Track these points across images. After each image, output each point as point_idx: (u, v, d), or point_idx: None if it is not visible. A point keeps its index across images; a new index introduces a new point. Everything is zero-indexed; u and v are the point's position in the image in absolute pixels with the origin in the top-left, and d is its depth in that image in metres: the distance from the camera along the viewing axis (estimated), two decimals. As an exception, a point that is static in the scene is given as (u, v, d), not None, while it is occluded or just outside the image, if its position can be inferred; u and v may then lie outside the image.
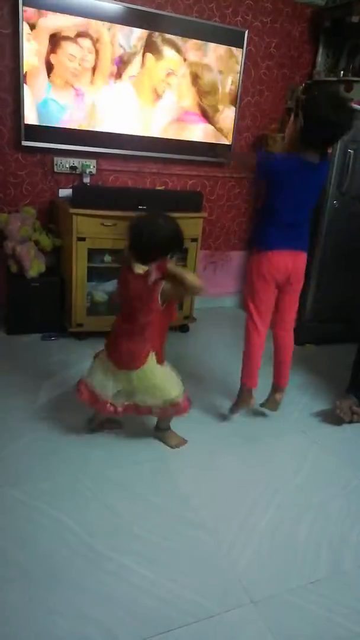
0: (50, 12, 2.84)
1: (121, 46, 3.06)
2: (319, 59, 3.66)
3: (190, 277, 1.82)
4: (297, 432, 2.46)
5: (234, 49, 3.36)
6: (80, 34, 2.94)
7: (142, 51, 3.13)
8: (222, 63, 3.36)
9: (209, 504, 1.93)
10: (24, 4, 2.77)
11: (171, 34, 3.15)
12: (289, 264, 2.20)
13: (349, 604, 1.58)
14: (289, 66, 3.66)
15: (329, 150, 2.13)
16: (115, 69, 3.10)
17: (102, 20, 2.96)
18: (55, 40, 2.90)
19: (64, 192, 3.24)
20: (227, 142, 3.56)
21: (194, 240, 3.24)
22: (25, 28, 2.82)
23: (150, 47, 3.14)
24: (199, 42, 3.24)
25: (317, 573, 1.67)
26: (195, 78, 3.33)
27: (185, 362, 2.90)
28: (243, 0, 3.38)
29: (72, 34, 2.92)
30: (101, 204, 2.93)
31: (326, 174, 2.21)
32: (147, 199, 3.00)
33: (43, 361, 2.87)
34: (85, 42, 2.97)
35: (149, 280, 1.80)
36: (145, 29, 3.09)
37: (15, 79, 2.95)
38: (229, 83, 3.43)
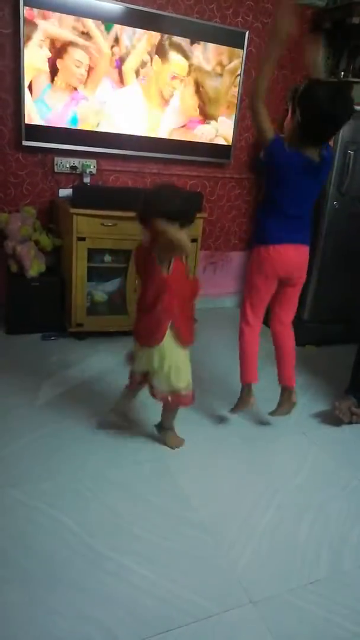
0: (51, 12, 2.84)
1: (122, 47, 3.06)
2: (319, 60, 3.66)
3: (172, 231, 1.74)
4: (297, 433, 2.46)
5: (234, 49, 3.36)
6: (81, 35, 2.94)
7: (143, 53, 3.13)
8: (223, 64, 3.36)
9: (209, 504, 1.93)
10: (24, 4, 2.78)
11: (172, 34, 3.15)
12: (291, 258, 2.14)
13: (349, 604, 1.58)
14: (290, 67, 3.66)
15: (330, 143, 2.06)
16: (116, 70, 3.10)
17: (102, 20, 2.97)
18: (56, 40, 2.91)
19: (64, 192, 3.24)
20: (227, 143, 3.56)
21: (194, 240, 3.24)
22: (27, 30, 2.82)
23: (151, 48, 3.14)
24: (203, 45, 3.24)
25: (317, 573, 1.68)
26: (198, 80, 3.33)
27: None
28: (244, 1, 3.38)
29: (73, 34, 2.92)
30: (101, 204, 2.93)
31: (327, 172, 2.12)
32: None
33: (43, 361, 2.87)
34: (85, 43, 2.97)
35: (144, 243, 1.79)
36: (146, 29, 3.09)
37: (15, 79, 2.95)
38: (229, 84, 3.43)
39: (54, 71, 2.96)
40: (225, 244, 3.98)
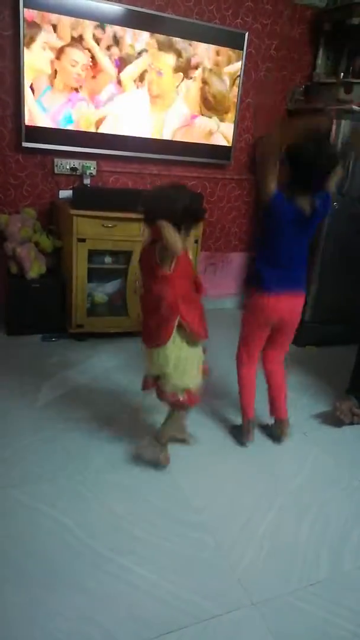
0: (51, 14, 2.84)
1: (121, 49, 3.07)
2: (319, 61, 3.67)
3: (165, 230, 1.70)
4: (298, 433, 2.45)
5: (234, 50, 3.36)
6: (81, 36, 2.95)
7: (143, 54, 3.13)
8: (223, 65, 3.37)
9: (210, 505, 1.93)
10: (24, 6, 2.78)
11: (171, 35, 3.16)
12: (286, 307, 2.15)
13: (349, 605, 1.58)
14: (289, 68, 3.67)
15: (327, 189, 2.02)
16: (115, 71, 3.10)
17: (102, 22, 2.97)
18: (56, 42, 2.91)
19: (64, 194, 3.24)
20: (227, 143, 3.56)
21: (195, 241, 3.25)
22: (32, 32, 2.83)
23: (151, 50, 3.14)
24: (202, 46, 3.25)
25: (318, 574, 1.67)
26: (198, 82, 3.33)
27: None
28: (243, 2, 3.39)
29: (73, 36, 2.93)
30: (101, 205, 2.94)
31: (315, 225, 2.09)
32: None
33: (43, 362, 2.87)
34: (86, 44, 2.98)
35: (145, 242, 1.77)
36: (146, 30, 3.09)
37: (15, 81, 2.95)
38: (229, 85, 3.43)
39: (54, 72, 2.96)
40: (226, 245, 3.98)
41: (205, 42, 3.26)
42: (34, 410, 2.40)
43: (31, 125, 3.01)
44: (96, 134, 3.18)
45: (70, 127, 3.10)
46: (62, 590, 1.51)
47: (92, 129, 3.16)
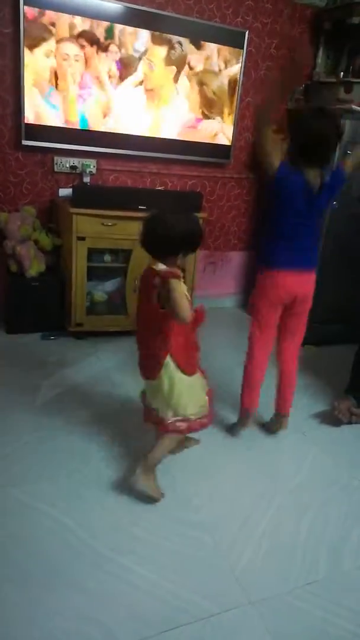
0: (51, 12, 2.84)
1: (121, 47, 3.06)
2: (319, 60, 3.66)
3: (179, 303, 1.63)
4: (297, 433, 2.46)
5: (234, 49, 3.36)
6: (81, 35, 2.94)
7: (142, 53, 3.13)
8: (222, 64, 3.36)
9: (209, 504, 1.93)
10: (24, 4, 2.77)
11: (172, 34, 3.15)
12: (296, 285, 2.11)
13: (348, 605, 1.58)
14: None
15: (331, 164, 2.01)
16: (116, 69, 3.10)
17: (102, 20, 2.96)
18: (57, 41, 2.91)
19: (64, 192, 3.24)
20: (227, 142, 3.56)
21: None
22: (29, 29, 2.81)
23: (151, 48, 3.13)
24: (203, 44, 3.24)
25: (316, 574, 1.68)
26: (198, 81, 3.32)
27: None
28: (243, 1, 3.38)
29: (72, 34, 2.92)
30: (101, 204, 2.93)
31: (326, 199, 2.05)
32: (147, 199, 3.00)
33: (42, 360, 2.87)
34: (86, 43, 2.97)
35: (155, 280, 1.69)
36: (146, 29, 3.08)
37: (15, 79, 2.94)
38: (229, 84, 3.43)
39: (54, 71, 2.95)
40: (225, 244, 3.98)
41: (205, 41, 3.25)
42: (33, 408, 2.40)
43: (30, 123, 3.00)
44: (96, 132, 3.17)
45: (67, 125, 3.08)
46: (62, 590, 1.51)
47: (92, 128, 3.14)
